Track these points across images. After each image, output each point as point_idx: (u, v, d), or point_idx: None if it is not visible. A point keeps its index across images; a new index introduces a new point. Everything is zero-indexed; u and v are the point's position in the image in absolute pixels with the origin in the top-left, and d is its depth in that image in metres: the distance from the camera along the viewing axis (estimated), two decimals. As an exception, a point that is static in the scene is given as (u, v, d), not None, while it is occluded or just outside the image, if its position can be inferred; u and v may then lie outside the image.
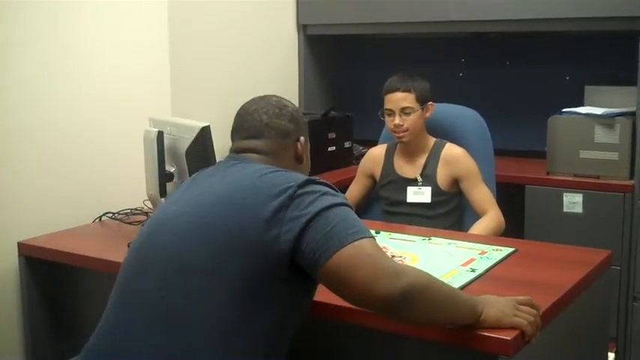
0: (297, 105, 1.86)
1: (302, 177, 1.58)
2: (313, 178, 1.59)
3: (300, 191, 1.53)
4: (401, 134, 2.74)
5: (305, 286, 1.59)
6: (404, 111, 2.72)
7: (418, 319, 1.52)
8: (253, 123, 1.76)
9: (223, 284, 1.49)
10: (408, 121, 2.72)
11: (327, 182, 1.61)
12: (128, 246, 2.22)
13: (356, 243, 1.46)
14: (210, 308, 1.48)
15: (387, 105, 2.75)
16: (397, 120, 2.72)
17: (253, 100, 1.83)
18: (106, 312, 1.63)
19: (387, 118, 2.76)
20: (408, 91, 2.72)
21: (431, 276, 1.55)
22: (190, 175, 1.89)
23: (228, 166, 1.70)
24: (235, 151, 1.77)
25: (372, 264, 1.44)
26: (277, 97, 1.85)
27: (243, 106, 1.82)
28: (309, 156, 1.86)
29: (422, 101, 2.74)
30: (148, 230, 1.66)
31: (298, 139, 1.80)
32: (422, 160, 2.80)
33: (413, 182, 2.80)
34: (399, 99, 2.72)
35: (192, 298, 1.49)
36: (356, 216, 1.55)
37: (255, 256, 1.49)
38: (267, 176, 1.59)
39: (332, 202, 1.52)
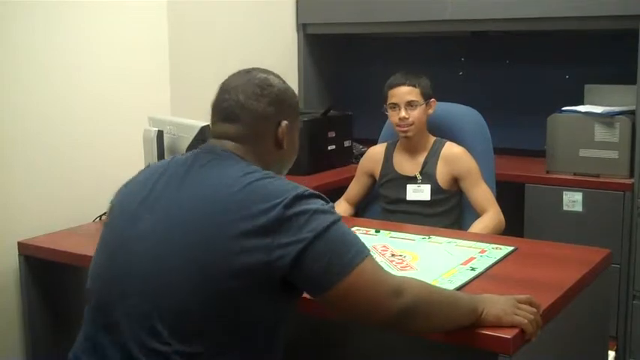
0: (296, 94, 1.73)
1: (287, 193, 1.44)
2: (300, 192, 1.45)
3: (288, 213, 1.41)
4: (406, 128, 2.74)
5: (290, 300, 1.54)
6: (410, 104, 2.72)
7: (422, 330, 1.54)
8: (230, 103, 1.60)
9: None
10: (414, 115, 2.72)
11: (315, 192, 1.49)
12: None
13: (357, 270, 1.41)
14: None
15: (392, 99, 2.74)
16: (403, 113, 2.71)
17: (238, 73, 1.66)
18: (83, 327, 1.60)
19: (392, 112, 2.76)
20: (413, 85, 2.73)
21: (430, 287, 1.56)
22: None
23: (201, 166, 1.54)
24: (213, 135, 1.64)
25: (372, 290, 1.43)
26: (266, 72, 1.66)
27: (225, 80, 1.66)
28: (296, 141, 1.69)
29: (426, 97, 2.75)
30: (119, 249, 1.54)
31: (280, 123, 1.61)
32: (421, 158, 2.80)
33: (412, 180, 2.80)
34: (405, 92, 2.72)
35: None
36: (349, 230, 1.48)
37: (236, 280, 1.40)
38: (245, 191, 1.44)
39: (326, 224, 1.42)
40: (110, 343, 1.48)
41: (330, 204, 1.50)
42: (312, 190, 1.49)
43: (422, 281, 1.56)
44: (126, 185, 1.71)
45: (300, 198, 1.44)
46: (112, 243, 1.58)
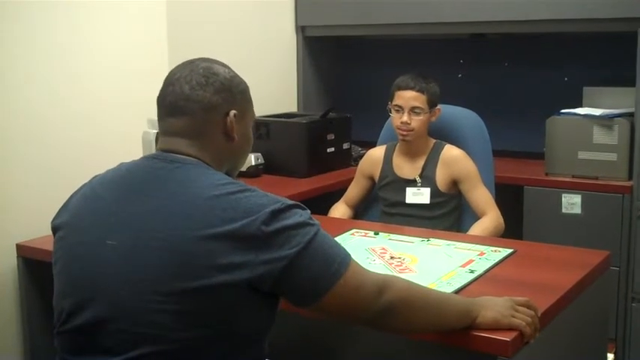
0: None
1: (263, 208, 1.38)
2: (277, 207, 1.39)
3: (268, 230, 1.36)
4: (406, 133, 2.73)
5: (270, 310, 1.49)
6: (414, 110, 2.70)
7: (402, 329, 1.54)
8: (174, 97, 1.50)
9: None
10: (416, 121, 2.71)
11: (291, 203, 1.43)
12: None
13: (342, 279, 1.41)
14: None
15: (398, 101, 2.73)
16: (405, 117, 2.70)
17: (181, 64, 1.56)
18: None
19: (395, 114, 2.75)
20: (422, 92, 2.70)
21: (416, 287, 1.55)
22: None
23: (164, 179, 1.45)
24: (161, 132, 1.55)
25: (357, 294, 1.43)
26: (210, 61, 1.57)
27: (169, 72, 1.56)
28: (249, 132, 1.59)
29: (431, 105, 2.74)
30: (80, 272, 1.47)
31: (227, 113, 1.52)
32: (421, 161, 2.80)
33: (412, 183, 2.80)
34: (411, 98, 2.70)
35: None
36: (330, 238, 1.45)
37: (218, 298, 1.36)
38: (218, 207, 1.37)
39: (308, 238, 1.39)
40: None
41: (307, 211, 1.45)
42: (288, 201, 1.43)
43: (408, 281, 1.55)
44: (73, 200, 1.64)
45: (277, 213, 1.38)
46: (77, 262, 1.50)
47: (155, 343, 1.36)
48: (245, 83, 1.60)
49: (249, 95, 1.61)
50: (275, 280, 1.37)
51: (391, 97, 2.76)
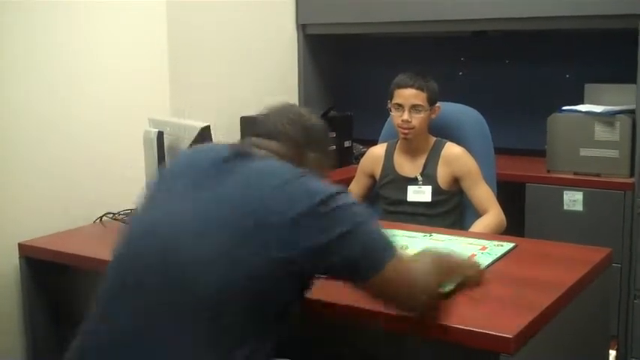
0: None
1: (327, 190, 1.52)
2: (338, 190, 1.54)
3: (327, 208, 1.49)
4: (407, 131, 2.73)
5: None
6: (414, 108, 2.70)
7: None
8: (268, 126, 1.71)
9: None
10: (417, 119, 2.71)
11: (343, 189, 1.57)
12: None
13: (389, 266, 1.51)
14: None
15: (397, 99, 2.73)
16: (406, 115, 2.70)
17: (273, 105, 1.78)
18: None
19: (395, 113, 2.75)
20: (421, 89, 2.71)
21: (437, 274, 1.64)
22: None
23: (242, 162, 1.60)
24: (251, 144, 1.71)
25: (398, 288, 1.54)
26: (305, 109, 1.81)
27: (264, 109, 1.78)
28: (325, 170, 1.77)
29: (431, 102, 2.74)
30: (159, 246, 1.55)
31: (308, 155, 1.72)
32: (422, 159, 2.80)
33: (413, 181, 2.79)
34: (411, 95, 2.70)
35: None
36: (380, 227, 1.57)
37: (270, 271, 1.46)
38: (287, 188, 1.51)
39: (363, 218, 1.53)
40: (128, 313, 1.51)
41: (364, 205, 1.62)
42: (341, 188, 1.57)
43: (431, 271, 1.62)
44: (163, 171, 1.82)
45: (337, 194, 1.52)
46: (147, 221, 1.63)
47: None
48: (327, 133, 1.83)
49: (328, 145, 1.85)
50: (326, 256, 1.48)
51: (390, 96, 2.76)
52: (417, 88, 2.70)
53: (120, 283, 1.58)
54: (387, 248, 1.54)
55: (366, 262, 1.50)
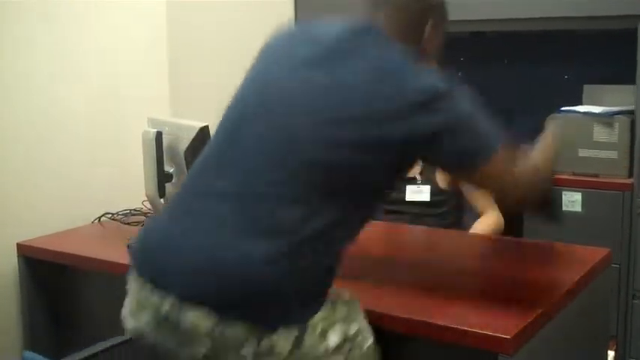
0: None
1: (439, 83, 1.52)
2: (447, 86, 1.54)
3: (439, 101, 1.49)
4: None
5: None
6: None
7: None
8: None
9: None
10: None
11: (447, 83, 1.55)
12: (127, 247, 2.23)
13: (495, 157, 1.54)
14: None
15: None
16: None
17: None
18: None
19: None
20: None
21: (536, 170, 1.68)
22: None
23: (357, 47, 1.59)
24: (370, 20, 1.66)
25: (503, 178, 1.57)
26: None
27: None
28: (437, 46, 1.73)
29: None
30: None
31: (427, 22, 1.65)
32: (421, 159, 2.81)
33: (412, 181, 2.80)
34: None
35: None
36: (488, 119, 1.59)
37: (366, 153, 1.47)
38: (405, 75, 1.51)
39: (469, 111, 1.54)
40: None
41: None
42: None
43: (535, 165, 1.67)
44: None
45: (446, 91, 1.52)
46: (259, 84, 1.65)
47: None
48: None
49: (446, 11, 1.73)
50: (431, 139, 1.48)
51: None
52: None
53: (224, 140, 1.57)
54: (494, 139, 1.56)
55: (471, 152, 1.51)
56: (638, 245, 2.96)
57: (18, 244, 2.46)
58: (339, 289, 1.53)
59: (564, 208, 3.10)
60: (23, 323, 2.52)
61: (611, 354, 2.91)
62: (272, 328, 1.39)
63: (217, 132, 1.61)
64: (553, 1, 3.14)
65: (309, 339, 1.41)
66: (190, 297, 1.40)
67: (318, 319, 1.43)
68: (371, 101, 1.46)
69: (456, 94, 1.52)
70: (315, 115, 1.47)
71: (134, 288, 1.51)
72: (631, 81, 2.98)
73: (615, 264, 2.77)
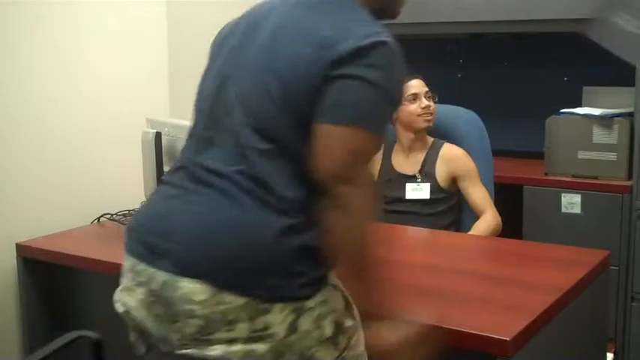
0: None
1: (378, 33, 1.44)
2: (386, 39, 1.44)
3: (365, 49, 1.40)
4: (429, 117, 2.78)
5: None
6: (427, 94, 2.79)
7: (331, 232, 1.41)
8: None
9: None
10: (433, 105, 2.79)
11: (395, 46, 1.48)
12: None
13: (356, 130, 1.38)
14: None
15: (412, 90, 2.77)
16: (426, 101, 2.77)
17: None
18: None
19: (413, 104, 2.76)
20: (422, 79, 2.80)
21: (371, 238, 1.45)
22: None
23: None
24: None
25: (340, 155, 1.38)
26: None
27: None
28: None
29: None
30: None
31: None
32: (421, 157, 2.81)
33: (412, 179, 2.80)
34: (421, 84, 2.79)
35: None
36: (381, 104, 1.43)
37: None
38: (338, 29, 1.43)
39: (374, 79, 1.40)
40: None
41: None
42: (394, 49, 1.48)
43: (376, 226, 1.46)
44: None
45: (382, 44, 1.44)
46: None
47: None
48: None
49: None
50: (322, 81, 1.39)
51: None
52: (421, 79, 2.80)
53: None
54: (377, 122, 1.43)
55: (342, 109, 1.39)
56: (637, 247, 2.96)
57: (17, 245, 2.46)
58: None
59: (564, 210, 3.10)
60: (22, 324, 2.52)
61: (609, 356, 2.91)
62: (268, 302, 1.35)
63: (198, 108, 1.61)
64: (553, 3, 3.15)
65: (305, 322, 1.39)
66: (184, 271, 1.38)
67: (315, 302, 1.41)
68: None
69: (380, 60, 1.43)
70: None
71: (126, 267, 1.50)
72: (630, 83, 2.99)
73: (614, 266, 2.77)
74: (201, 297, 1.36)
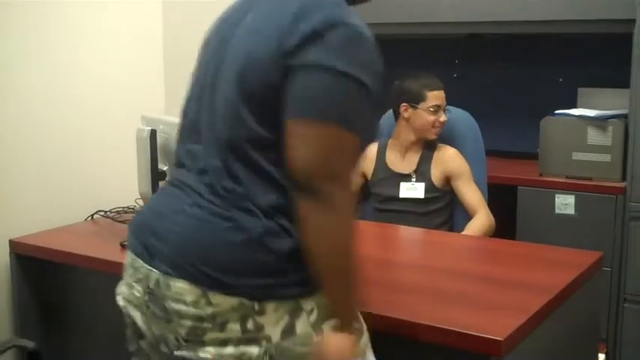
0: None
1: (338, 15, 1.35)
2: (349, 21, 1.35)
3: (326, 32, 1.32)
4: (440, 130, 2.80)
5: None
6: (445, 107, 2.81)
7: (307, 236, 1.35)
8: None
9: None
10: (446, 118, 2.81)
11: (360, 29, 1.38)
12: (121, 245, 2.23)
13: (326, 126, 1.31)
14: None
15: (436, 101, 2.78)
16: (444, 117, 2.79)
17: None
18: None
19: (433, 116, 2.77)
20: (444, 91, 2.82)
21: (353, 235, 1.36)
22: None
23: None
24: None
25: (320, 153, 1.31)
26: None
27: None
28: None
29: None
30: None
31: None
32: (416, 157, 2.82)
33: (406, 178, 2.81)
34: (444, 97, 2.80)
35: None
36: (342, 93, 1.33)
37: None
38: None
39: (334, 66, 1.31)
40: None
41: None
42: (358, 25, 1.39)
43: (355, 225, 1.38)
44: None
45: (345, 25, 1.36)
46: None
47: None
48: None
49: None
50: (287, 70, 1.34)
51: (421, 98, 2.78)
52: (443, 90, 2.80)
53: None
54: (344, 116, 1.31)
55: (308, 101, 1.31)
56: (629, 249, 2.97)
57: (10, 241, 2.45)
58: None
59: (557, 211, 3.11)
60: (15, 320, 2.51)
61: (601, 357, 2.92)
62: (258, 301, 1.32)
63: (189, 100, 1.57)
64: (549, 4, 3.15)
65: (302, 325, 1.35)
66: (175, 271, 1.37)
67: (312, 304, 1.37)
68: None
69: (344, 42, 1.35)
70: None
71: (127, 262, 1.50)
72: (625, 84, 2.99)
73: (607, 267, 2.78)
74: (190, 298, 1.35)
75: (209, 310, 1.34)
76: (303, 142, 1.32)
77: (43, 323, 2.52)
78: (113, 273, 2.06)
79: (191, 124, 1.53)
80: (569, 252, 2.17)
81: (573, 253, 2.15)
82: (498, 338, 1.53)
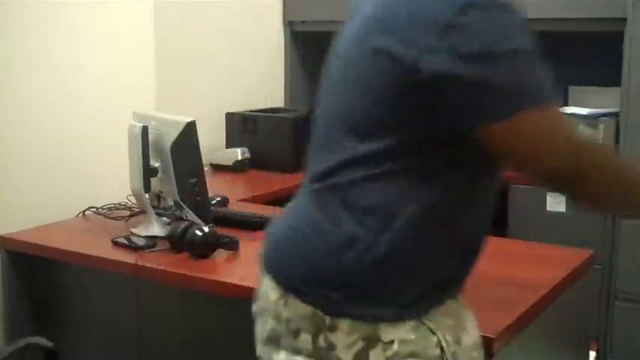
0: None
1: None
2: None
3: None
4: None
5: None
6: None
7: (590, 199, 1.32)
8: None
9: None
10: None
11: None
12: (112, 242, 2.22)
13: (526, 116, 1.25)
14: None
15: None
16: None
17: None
18: None
19: None
20: None
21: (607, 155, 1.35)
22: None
23: None
24: None
25: (536, 141, 1.27)
26: None
27: None
28: None
29: None
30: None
31: None
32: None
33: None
34: None
35: None
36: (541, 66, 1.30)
37: None
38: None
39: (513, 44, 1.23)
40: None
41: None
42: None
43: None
44: None
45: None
46: None
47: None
48: None
49: None
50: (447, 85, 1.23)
51: None
52: None
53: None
54: (534, 91, 1.23)
55: (496, 100, 1.19)
56: (620, 247, 2.99)
57: (1, 237, 2.44)
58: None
59: (549, 209, 3.12)
60: (5, 318, 2.50)
61: (592, 354, 2.93)
62: (331, 316, 1.22)
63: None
64: (539, 3, 3.16)
65: (376, 358, 1.21)
66: (266, 267, 1.37)
67: (394, 336, 1.21)
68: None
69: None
70: None
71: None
72: (616, 83, 3.00)
73: (598, 265, 2.79)
74: (273, 296, 1.33)
75: (285, 312, 1.30)
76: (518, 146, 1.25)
77: (35, 320, 2.51)
78: (105, 270, 2.06)
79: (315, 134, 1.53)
80: (560, 249, 2.17)
81: (564, 250, 2.15)
82: (490, 336, 1.54)
